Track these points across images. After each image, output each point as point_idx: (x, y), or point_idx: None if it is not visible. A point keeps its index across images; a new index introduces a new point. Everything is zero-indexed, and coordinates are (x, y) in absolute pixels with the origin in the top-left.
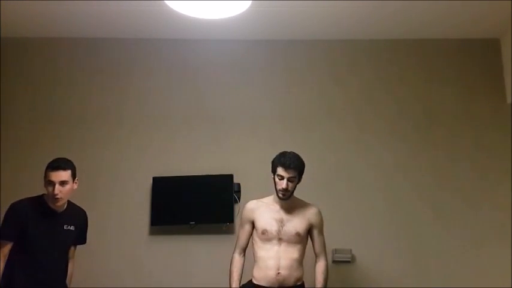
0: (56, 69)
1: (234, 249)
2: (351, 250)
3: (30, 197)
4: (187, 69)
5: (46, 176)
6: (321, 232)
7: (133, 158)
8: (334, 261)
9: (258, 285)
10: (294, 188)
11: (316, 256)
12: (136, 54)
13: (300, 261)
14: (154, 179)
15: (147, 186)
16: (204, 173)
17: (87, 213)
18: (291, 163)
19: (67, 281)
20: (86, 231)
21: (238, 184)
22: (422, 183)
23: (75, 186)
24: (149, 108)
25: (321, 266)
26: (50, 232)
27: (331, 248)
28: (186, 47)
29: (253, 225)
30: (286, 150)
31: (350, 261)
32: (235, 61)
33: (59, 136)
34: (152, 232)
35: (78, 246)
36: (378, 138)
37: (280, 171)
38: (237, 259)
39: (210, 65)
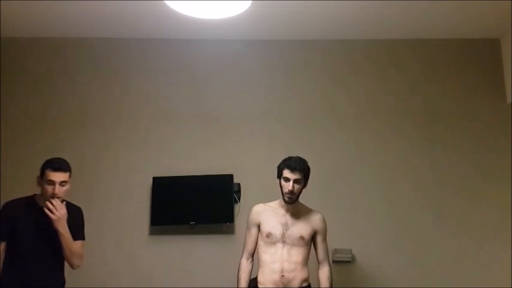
0: (56, 69)
1: (242, 254)
2: (351, 250)
3: (21, 197)
4: (187, 69)
5: (46, 175)
6: (324, 239)
7: (133, 158)
8: (334, 261)
9: None
10: (300, 192)
11: (320, 262)
12: (136, 54)
13: (304, 264)
14: (154, 179)
15: (147, 186)
16: (204, 173)
17: (87, 212)
18: (297, 165)
19: (77, 259)
20: (82, 227)
21: (238, 184)
22: (423, 183)
23: (69, 186)
24: (149, 108)
25: (325, 271)
26: (40, 231)
27: (331, 248)
28: (186, 47)
29: (259, 228)
30: (285, 149)
31: (350, 261)
32: (235, 61)
33: (59, 136)
34: (152, 232)
35: None
36: (378, 138)
37: (286, 173)
38: (245, 264)
39: (210, 65)
